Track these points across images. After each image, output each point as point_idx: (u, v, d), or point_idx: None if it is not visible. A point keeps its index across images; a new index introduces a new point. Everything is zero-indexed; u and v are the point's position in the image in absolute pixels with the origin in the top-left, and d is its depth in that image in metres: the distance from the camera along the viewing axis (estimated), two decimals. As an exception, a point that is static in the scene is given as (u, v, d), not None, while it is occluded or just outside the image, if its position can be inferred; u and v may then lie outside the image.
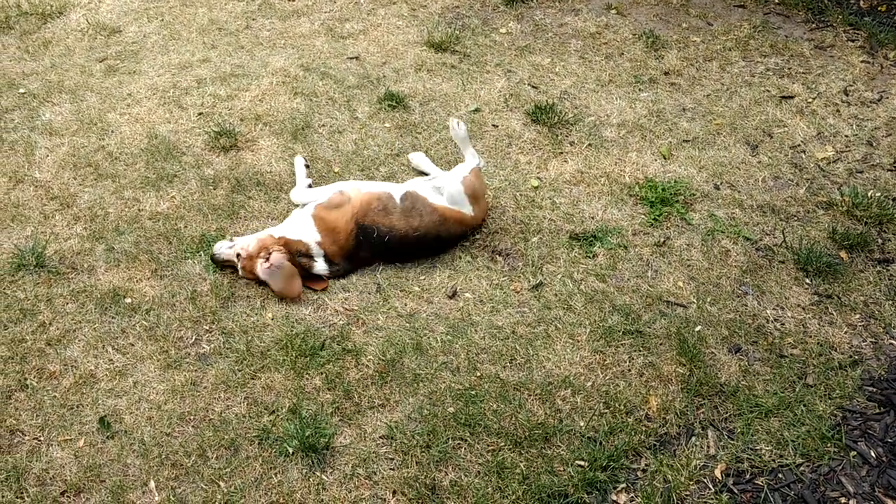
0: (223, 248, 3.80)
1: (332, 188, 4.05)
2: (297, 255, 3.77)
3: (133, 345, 3.52)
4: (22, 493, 2.95)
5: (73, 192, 4.33)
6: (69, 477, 3.01)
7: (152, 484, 3.00)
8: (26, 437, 3.15)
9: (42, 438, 3.15)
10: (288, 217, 4.05)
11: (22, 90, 5.18)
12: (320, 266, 3.81)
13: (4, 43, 5.76)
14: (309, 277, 3.80)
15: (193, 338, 3.56)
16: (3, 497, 2.92)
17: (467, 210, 3.98)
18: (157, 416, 3.23)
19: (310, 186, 4.23)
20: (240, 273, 3.78)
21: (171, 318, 3.64)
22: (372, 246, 3.85)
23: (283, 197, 4.31)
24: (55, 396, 3.30)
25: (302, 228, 3.86)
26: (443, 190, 4.00)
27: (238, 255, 3.73)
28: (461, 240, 4.04)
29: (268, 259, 3.69)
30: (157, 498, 2.95)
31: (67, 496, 2.96)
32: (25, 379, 3.36)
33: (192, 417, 3.23)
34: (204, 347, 3.52)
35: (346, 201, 3.90)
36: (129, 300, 3.71)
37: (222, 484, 2.99)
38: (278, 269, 3.67)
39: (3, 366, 3.40)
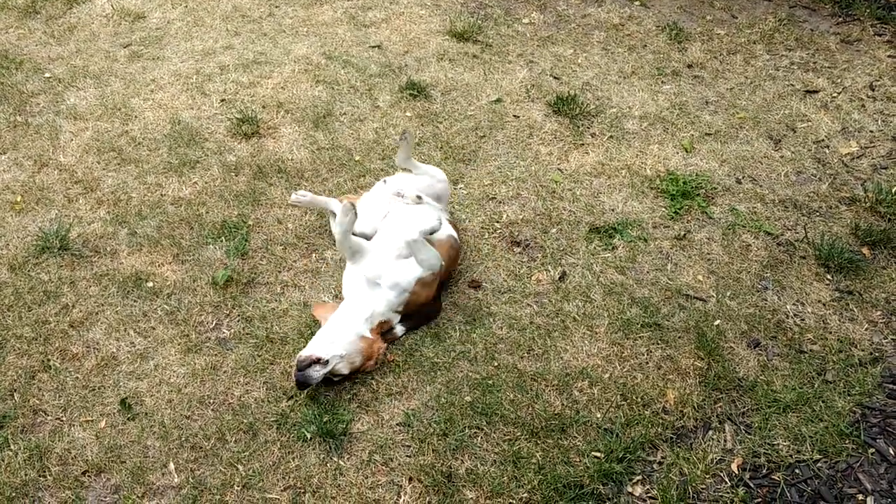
0: (320, 374, 3.16)
1: (433, 257, 3.45)
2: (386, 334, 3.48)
3: (154, 328, 3.55)
4: (44, 471, 3.00)
5: (96, 176, 4.37)
6: (90, 457, 3.05)
7: (172, 466, 3.03)
8: (49, 417, 3.20)
9: (64, 419, 3.19)
10: (369, 264, 3.50)
11: (47, 74, 5.23)
12: (399, 330, 3.51)
13: (31, 27, 5.82)
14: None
15: (214, 322, 3.59)
16: (26, 475, 2.97)
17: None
18: (178, 399, 3.27)
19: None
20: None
21: (192, 302, 3.67)
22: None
23: (304, 184, 4.32)
24: (77, 378, 3.34)
25: (385, 300, 3.42)
26: (439, 201, 3.91)
27: (338, 374, 3.28)
28: None
29: (376, 361, 3.37)
30: (176, 479, 2.99)
31: (88, 476, 3.00)
32: (48, 360, 3.40)
33: (211, 401, 3.27)
34: (224, 332, 3.55)
35: (434, 279, 3.51)
36: (150, 284, 3.74)
37: (241, 467, 3.02)
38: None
39: (27, 347, 3.45)
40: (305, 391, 3.23)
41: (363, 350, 3.30)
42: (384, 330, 3.44)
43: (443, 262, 3.49)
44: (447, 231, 3.66)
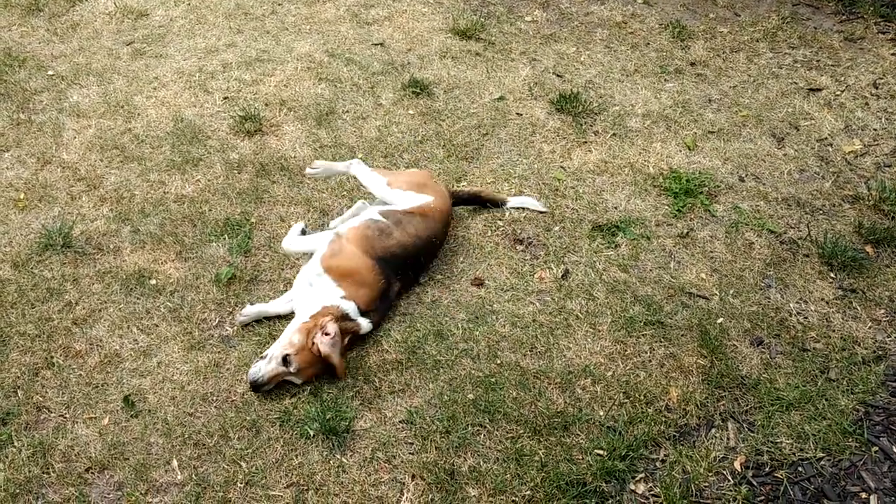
0: (263, 369, 3.22)
1: (323, 236, 3.67)
2: (339, 321, 3.37)
3: (157, 325, 3.56)
4: (48, 468, 3.00)
5: (99, 173, 4.37)
6: (94, 454, 3.05)
7: (175, 462, 3.04)
8: (52, 415, 3.20)
9: (68, 416, 3.19)
10: (295, 289, 3.61)
11: (50, 72, 5.23)
12: (364, 323, 3.46)
13: (34, 25, 5.82)
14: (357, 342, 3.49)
15: (217, 320, 3.60)
16: (29, 472, 2.97)
17: (425, 200, 3.83)
18: (181, 396, 3.27)
19: (303, 232, 3.93)
20: (298, 376, 3.27)
21: (195, 299, 3.67)
22: (398, 274, 3.61)
23: (307, 182, 4.33)
24: (81, 375, 3.34)
25: (321, 291, 3.49)
26: (384, 201, 3.91)
27: (286, 359, 3.23)
28: (447, 229, 3.96)
29: (325, 332, 3.27)
30: (179, 476, 2.99)
31: (92, 472, 3.00)
32: (52, 357, 3.40)
33: (214, 398, 3.27)
34: (227, 330, 3.55)
35: (344, 245, 3.59)
36: (153, 281, 3.75)
37: (244, 464, 3.03)
38: (330, 345, 3.25)
39: (31, 344, 3.45)
40: (261, 390, 3.27)
41: (300, 328, 3.32)
42: (336, 314, 3.37)
43: (336, 234, 3.63)
44: (370, 216, 3.75)
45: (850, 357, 3.48)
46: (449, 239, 4.01)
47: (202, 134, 4.68)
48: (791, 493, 2.98)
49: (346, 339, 3.36)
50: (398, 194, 3.86)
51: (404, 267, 3.65)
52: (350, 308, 3.44)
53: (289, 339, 3.29)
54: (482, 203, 4.21)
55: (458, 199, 4.13)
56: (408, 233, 3.68)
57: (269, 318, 3.59)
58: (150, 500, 2.93)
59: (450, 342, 3.50)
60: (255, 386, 3.23)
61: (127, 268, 3.82)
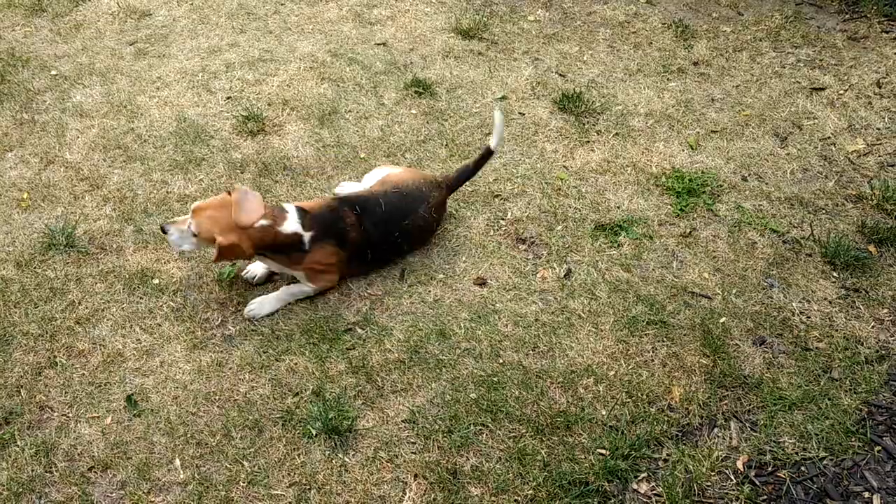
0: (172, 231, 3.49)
1: None
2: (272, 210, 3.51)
3: (160, 325, 3.56)
4: (51, 467, 3.01)
5: (102, 173, 4.38)
6: (97, 453, 3.06)
7: (177, 462, 3.04)
8: (55, 414, 3.21)
9: (70, 415, 3.20)
10: None
11: (54, 72, 5.25)
12: (289, 224, 3.49)
13: (37, 25, 5.83)
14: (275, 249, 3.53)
15: (219, 319, 3.60)
16: (32, 471, 2.98)
17: (382, 174, 4.01)
18: (183, 395, 3.27)
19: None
20: (193, 218, 3.44)
21: (198, 299, 3.68)
22: (369, 220, 3.63)
23: (310, 181, 4.33)
24: (83, 374, 3.35)
25: None
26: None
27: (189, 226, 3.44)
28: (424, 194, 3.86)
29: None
30: (182, 476, 3.00)
31: (95, 472, 3.01)
32: (55, 356, 3.41)
33: (217, 397, 3.27)
34: (230, 329, 3.56)
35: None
36: (156, 281, 3.75)
37: (246, 463, 3.03)
38: (246, 192, 3.44)
39: (34, 343, 3.46)
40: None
41: None
42: (274, 205, 3.56)
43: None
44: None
45: (852, 357, 3.48)
46: (451, 238, 4.01)
47: (205, 134, 4.68)
48: (794, 492, 2.98)
49: (268, 219, 3.45)
50: (358, 185, 4.11)
51: (364, 210, 3.64)
52: (289, 206, 3.55)
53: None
54: (477, 168, 4.06)
55: (458, 182, 4.06)
56: (365, 189, 3.90)
57: (270, 316, 3.60)
58: (153, 499, 2.93)
59: (452, 341, 3.50)
60: (162, 227, 3.52)
61: (130, 267, 3.82)
